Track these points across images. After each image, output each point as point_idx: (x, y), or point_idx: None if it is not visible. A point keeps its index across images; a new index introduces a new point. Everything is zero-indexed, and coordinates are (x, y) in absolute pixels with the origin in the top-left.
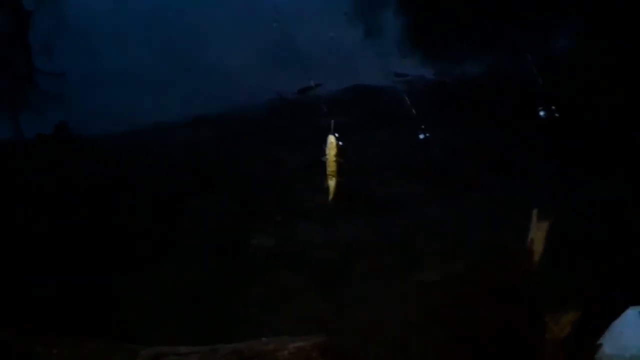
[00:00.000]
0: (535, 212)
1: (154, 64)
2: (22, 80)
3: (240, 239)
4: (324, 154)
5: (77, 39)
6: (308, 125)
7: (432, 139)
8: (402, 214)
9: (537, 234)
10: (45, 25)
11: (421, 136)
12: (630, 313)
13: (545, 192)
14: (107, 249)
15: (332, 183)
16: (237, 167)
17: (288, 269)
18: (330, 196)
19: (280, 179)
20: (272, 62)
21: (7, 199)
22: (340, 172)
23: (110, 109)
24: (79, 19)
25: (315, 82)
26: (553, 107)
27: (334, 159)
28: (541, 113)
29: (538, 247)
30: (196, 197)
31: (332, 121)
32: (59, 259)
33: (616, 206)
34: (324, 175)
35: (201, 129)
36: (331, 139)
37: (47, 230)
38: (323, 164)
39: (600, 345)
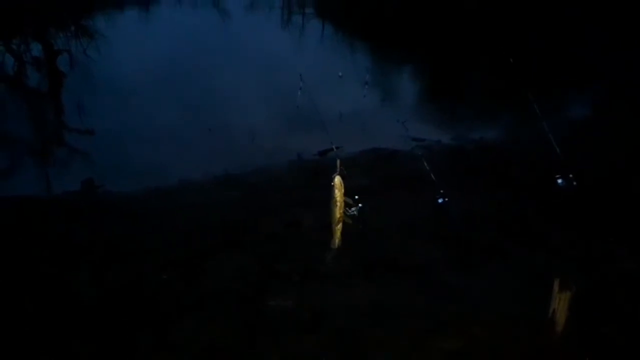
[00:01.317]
0: (557, 282)
1: (179, 125)
2: (53, 138)
3: (259, 299)
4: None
5: (107, 99)
6: (327, 187)
7: (451, 203)
8: (422, 279)
9: (560, 304)
10: (77, 86)
11: (440, 200)
12: None
13: (567, 261)
14: (130, 306)
15: (338, 227)
16: (258, 227)
17: (306, 332)
18: (336, 242)
19: (299, 239)
20: (294, 125)
21: (34, 254)
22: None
23: (136, 167)
24: (109, 80)
25: (336, 144)
26: (571, 176)
27: (340, 200)
28: (559, 181)
29: (561, 317)
30: (217, 256)
31: (339, 161)
32: (83, 316)
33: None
34: (349, 239)
35: (223, 189)
36: (337, 179)
37: (72, 286)
38: (342, 226)
39: None
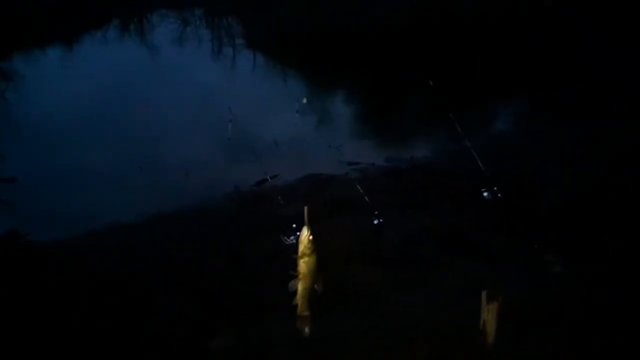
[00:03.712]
0: (484, 294)
1: (108, 165)
2: None
3: (201, 340)
4: (283, 245)
5: (28, 142)
6: (267, 217)
7: (386, 224)
8: (363, 302)
9: (488, 315)
10: None
11: (375, 222)
12: None
13: (498, 271)
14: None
15: (300, 287)
16: (198, 264)
17: None
18: (299, 306)
19: (240, 273)
20: (229, 157)
21: None
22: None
23: (64, 212)
24: (30, 123)
25: (271, 174)
26: (495, 188)
27: (306, 255)
28: (485, 194)
29: (490, 328)
30: (156, 298)
31: (306, 207)
32: None
33: (568, 278)
34: (290, 268)
35: (159, 227)
36: (304, 231)
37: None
38: (282, 256)
39: None
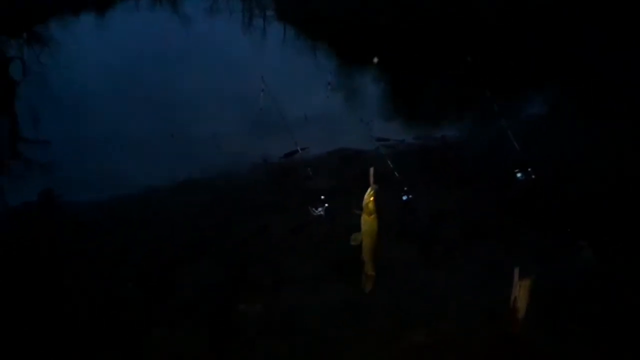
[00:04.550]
0: (516, 270)
1: (140, 132)
2: (7, 149)
3: (229, 306)
4: (311, 216)
5: (63, 108)
6: (295, 189)
7: (415, 200)
8: (390, 277)
9: (520, 292)
10: (32, 94)
11: (404, 198)
12: None
13: (527, 253)
14: (96, 319)
15: (364, 246)
16: (225, 234)
17: (278, 336)
18: (365, 265)
19: (267, 244)
20: (259, 128)
21: None
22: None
23: (96, 176)
24: (65, 88)
25: (301, 146)
26: (529, 169)
27: (369, 214)
28: (518, 175)
29: (522, 304)
30: (185, 265)
31: (372, 168)
32: (45, 332)
33: (598, 263)
34: (317, 240)
35: (188, 196)
36: (370, 193)
37: (33, 300)
38: (310, 228)
39: None
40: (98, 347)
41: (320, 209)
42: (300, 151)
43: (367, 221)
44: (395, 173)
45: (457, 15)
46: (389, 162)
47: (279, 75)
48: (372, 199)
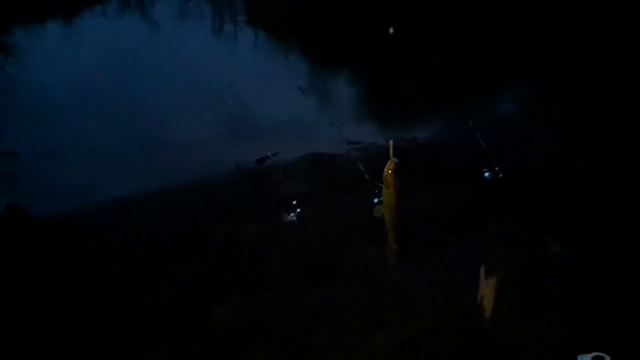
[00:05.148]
0: (482, 269)
1: (110, 140)
2: None
3: (201, 312)
4: (283, 221)
5: (29, 117)
6: (267, 194)
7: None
8: (364, 278)
9: (487, 290)
10: None
11: (376, 200)
12: None
13: (497, 250)
14: (66, 329)
15: (386, 218)
16: (196, 241)
17: (252, 342)
18: (388, 238)
19: (240, 250)
20: (230, 134)
21: None
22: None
23: (64, 187)
24: (31, 97)
25: (272, 152)
26: (497, 169)
27: (389, 186)
28: (486, 174)
29: (488, 303)
30: (155, 273)
31: (391, 141)
32: (18, 342)
33: (565, 259)
34: (290, 245)
35: (159, 204)
36: (391, 164)
37: (3, 313)
38: (282, 233)
39: None
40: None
41: (292, 214)
42: (271, 157)
43: (386, 194)
44: (366, 176)
45: (432, 15)
46: (359, 165)
47: (251, 80)
48: (390, 172)
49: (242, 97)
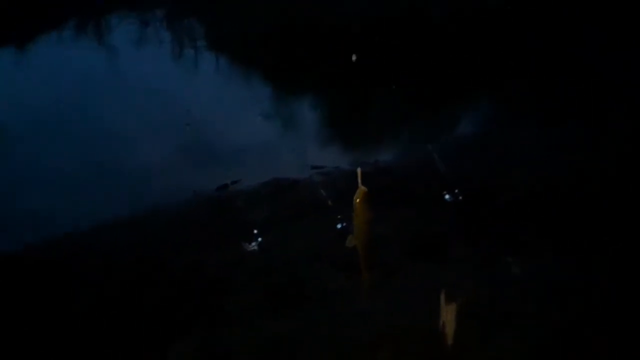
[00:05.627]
0: (442, 295)
1: (61, 169)
2: None
3: (161, 346)
4: (244, 250)
5: None
6: (228, 223)
7: (349, 227)
8: (327, 307)
9: (447, 316)
10: None
11: (339, 226)
12: None
13: (459, 273)
14: None
15: (359, 249)
16: (156, 272)
17: None
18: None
19: (200, 281)
20: (189, 161)
21: None
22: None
23: (14, 220)
24: None
25: (232, 179)
26: (456, 191)
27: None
28: (446, 197)
29: (450, 329)
30: (112, 306)
31: (359, 169)
32: None
33: (527, 278)
34: (252, 274)
35: (115, 235)
36: (360, 192)
37: None
38: (244, 262)
39: None
40: None
41: (253, 243)
42: (230, 185)
43: (355, 224)
44: (329, 202)
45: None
46: (322, 190)
47: (211, 105)
48: (358, 200)
49: (202, 124)
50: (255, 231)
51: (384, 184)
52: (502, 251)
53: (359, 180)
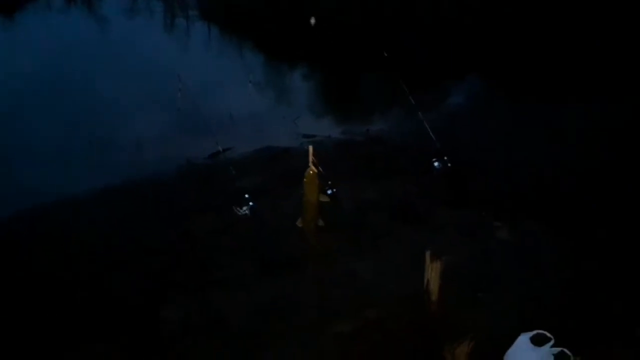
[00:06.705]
0: (427, 254)
1: (54, 138)
2: None
3: (152, 312)
4: (235, 216)
5: None
6: (220, 190)
7: (339, 193)
8: (318, 270)
9: (432, 274)
10: None
11: (329, 192)
12: (522, 339)
13: (446, 238)
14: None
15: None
16: (148, 238)
17: (202, 339)
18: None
19: (193, 246)
20: (182, 130)
21: None
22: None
23: (9, 187)
24: None
25: (224, 147)
26: (445, 158)
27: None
28: (435, 164)
29: (434, 286)
30: (106, 272)
31: (310, 146)
32: None
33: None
34: (242, 240)
35: (108, 203)
36: (309, 172)
37: None
38: (234, 228)
39: None
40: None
41: (245, 208)
42: (222, 152)
43: (303, 204)
44: (319, 168)
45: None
46: (312, 157)
47: (204, 74)
48: (305, 180)
49: (195, 93)
50: (247, 196)
51: (374, 152)
52: (487, 217)
53: (310, 159)
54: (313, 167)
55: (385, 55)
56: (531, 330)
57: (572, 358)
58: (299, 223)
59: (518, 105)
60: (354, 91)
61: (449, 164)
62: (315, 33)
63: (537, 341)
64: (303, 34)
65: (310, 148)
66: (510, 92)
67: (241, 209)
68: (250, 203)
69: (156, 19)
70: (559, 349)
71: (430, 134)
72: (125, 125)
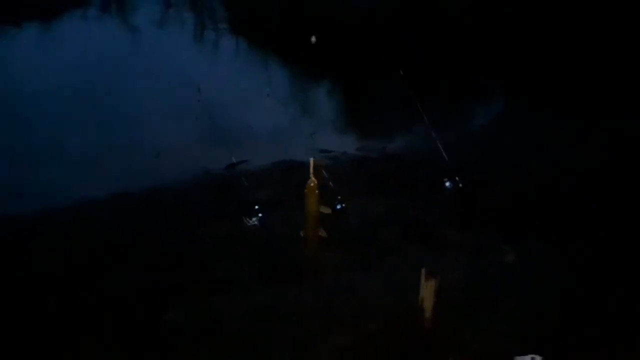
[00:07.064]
0: (423, 272)
1: (79, 142)
2: None
3: (155, 314)
4: (244, 227)
5: (3, 119)
6: (233, 200)
7: (350, 209)
8: (322, 281)
9: (426, 292)
10: None
11: (338, 207)
12: None
13: (451, 257)
14: (19, 332)
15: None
16: (156, 242)
17: (202, 341)
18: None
19: (200, 252)
20: (202, 140)
21: None
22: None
23: (29, 188)
24: (5, 100)
25: (240, 159)
26: (457, 179)
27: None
28: (447, 184)
29: (428, 304)
30: (111, 275)
31: (312, 159)
32: None
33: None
34: (250, 247)
35: (122, 206)
36: (310, 183)
37: None
38: (244, 236)
39: None
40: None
41: (254, 219)
42: (236, 163)
43: (306, 216)
44: (330, 183)
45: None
46: (324, 172)
47: (228, 87)
48: (305, 192)
49: (219, 105)
50: (257, 207)
51: (387, 169)
52: (496, 239)
53: (311, 171)
54: (314, 179)
55: (401, 73)
56: (525, 354)
57: None
58: (302, 233)
59: (537, 122)
60: (372, 108)
61: (460, 185)
62: (337, 50)
63: None
64: (326, 50)
65: (312, 160)
66: (531, 110)
67: (250, 219)
68: (260, 214)
69: (186, 30)
70: None
71: (444, 154)
72: (149, 133)
